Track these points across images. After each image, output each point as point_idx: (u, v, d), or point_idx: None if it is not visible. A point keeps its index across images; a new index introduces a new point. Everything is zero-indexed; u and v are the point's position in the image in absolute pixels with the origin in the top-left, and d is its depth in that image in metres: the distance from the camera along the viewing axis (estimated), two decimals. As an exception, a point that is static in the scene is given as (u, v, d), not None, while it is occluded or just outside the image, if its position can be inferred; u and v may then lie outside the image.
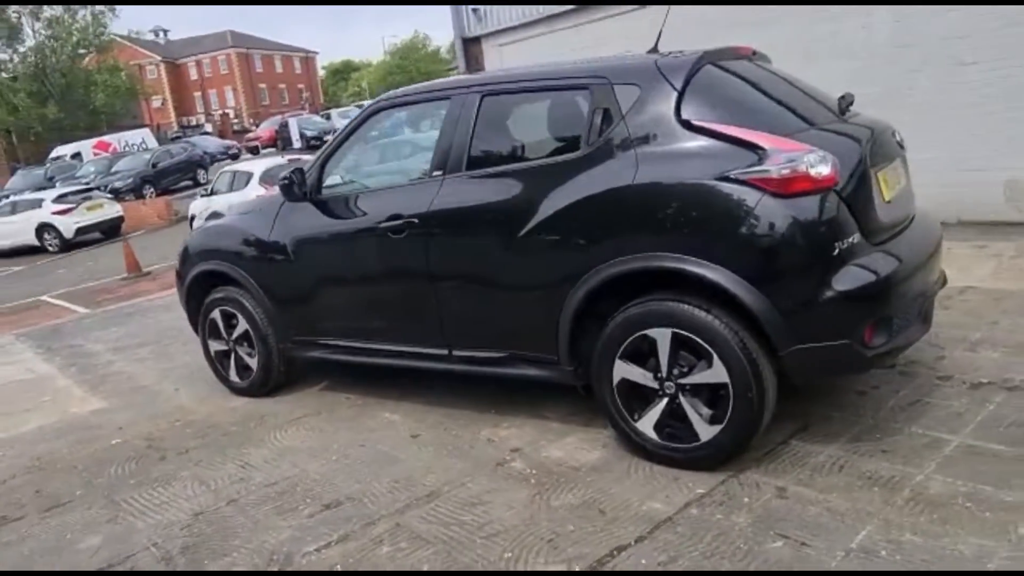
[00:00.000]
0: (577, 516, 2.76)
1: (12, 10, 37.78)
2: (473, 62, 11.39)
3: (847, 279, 2.66)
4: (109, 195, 20.74)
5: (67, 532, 3.14)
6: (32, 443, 4.31)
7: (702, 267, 2.75)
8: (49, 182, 26.48)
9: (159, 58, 65.48)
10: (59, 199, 18.83)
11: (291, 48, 73.11)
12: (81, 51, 40.75)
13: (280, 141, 33.80)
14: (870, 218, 2.83)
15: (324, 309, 4.04)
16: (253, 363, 4.45)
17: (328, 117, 36.59)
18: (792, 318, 2.69)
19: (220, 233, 4.52)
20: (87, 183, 23.29)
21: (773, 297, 2.69)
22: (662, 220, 2.85)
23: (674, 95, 2.94)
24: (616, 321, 2.98)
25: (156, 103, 64.22)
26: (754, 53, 3.52)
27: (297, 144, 32.04)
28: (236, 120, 57.28)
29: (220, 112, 60.52)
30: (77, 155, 32.51)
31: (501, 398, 3.85)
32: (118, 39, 46.87)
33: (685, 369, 2.89)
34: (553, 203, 3.08)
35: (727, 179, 2.72)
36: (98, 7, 40.01)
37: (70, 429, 4.45)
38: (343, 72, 77.20)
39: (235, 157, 33.96)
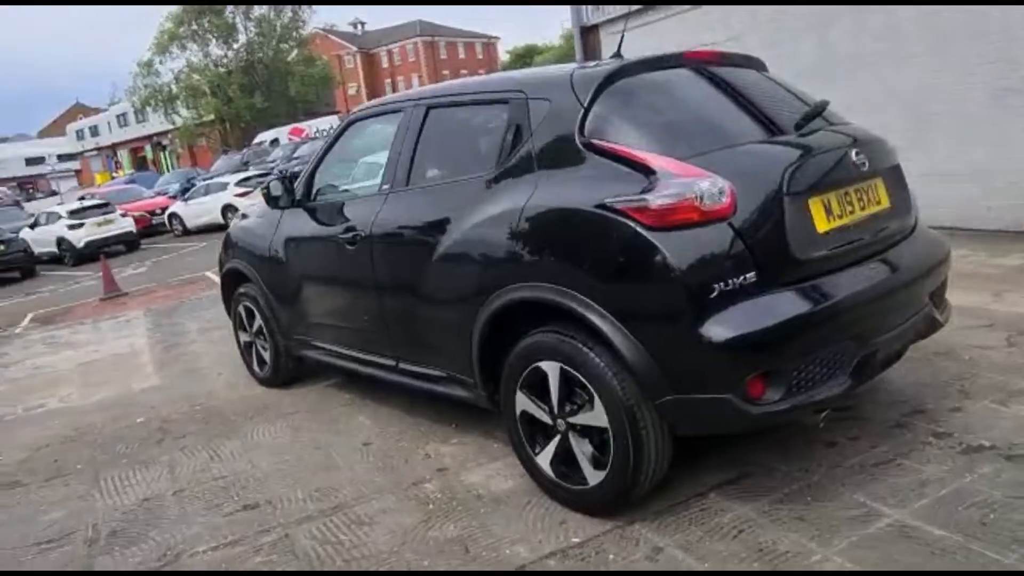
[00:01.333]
0: (441, 551, 2.68)
1: (229, 10, 42.35)
2: (590, 52, 11.17)
3: (727, 325, 2.32)
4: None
5: (45, 504, 3.57)
6: (82, 414, 4.91)
7: (578, 302, 2.54)
8: (244, 166, 29.57)
9: (355, 48, 70.55)
10: (241, 183, 20.96)
11: (473, 34, 75.63)
12: (283, 45, 44.83)
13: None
14: (783, 253, 2.45)
15: (308, 312, 4.21)
16: (267, 356, 4.74)
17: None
18: (666, 365, 2.41)
19: (243, 232, 4.83)
20: (271, 167, 25.71)
21: (645, 341, 2.42)
22: (546, 249, 2.68)
23: (580, 111, 2.72)
24: (516, 350, 2.84)
25: (351, 90, 69.45)
26: (722, 56, 3.16)
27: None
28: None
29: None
30: (275, 141, 35.99)
31: (469, 412, 3.80)
32: (321, 32, 51.07)
33: (575, 407, 2.69)
34: (463, 223, 2.99)
35: (603, 207, 2.48)
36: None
37: (117, 404, 5.02)
38: (526, 56, 78.51)
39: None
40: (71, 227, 19.43)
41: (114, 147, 56.53)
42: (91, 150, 59.95)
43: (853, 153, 2.69)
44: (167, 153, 50.77)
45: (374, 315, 3.60)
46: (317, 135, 35.80)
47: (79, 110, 76.25)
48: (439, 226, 3.09)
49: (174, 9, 40.99)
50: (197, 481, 3.56)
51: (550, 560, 2.54)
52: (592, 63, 3.00)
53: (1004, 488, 2.59)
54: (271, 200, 4.11)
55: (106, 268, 10.96)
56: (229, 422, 4.34)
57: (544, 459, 2.85)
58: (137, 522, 3.23)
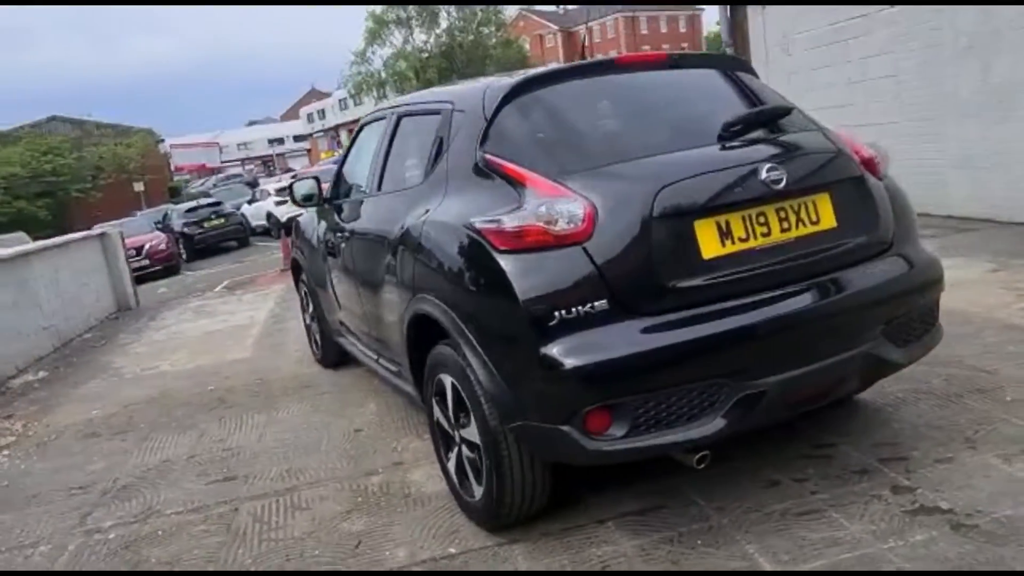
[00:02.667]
0: (337, 544, 2.84)
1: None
2: (736, 30, 10.49)
3: (563, 354, 2.21)
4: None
5: (98, 455, 4.22)
6: (174, 379, 5.67)
7: (450, 320, 2.55)
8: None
9: (556, 28, 71.19)
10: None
11: (677, 8, 73.07)
12: (484, 29, 46.49)
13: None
14: (648, 281, 2.27)
15: (332, 302, 4.52)
16: (318, 339, 5.17)
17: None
18: (516, 390, 2.35)
19: (301, 224, 5.26)
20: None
21: (498, 365, 2.38)
22: (434, 264, 2.72)
23: (483, 125, 2.69)
24: (428, 359, 2.90)
25: (553, 69, 70.29)
26: (668, 58, 2.93)
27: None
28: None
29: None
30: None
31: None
32: (524, 12, 52.19)
33: (465, 421, 2.71)
34: (397, 231, 3.08)
35: (467, 227, 2.45)
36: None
37: (204, 372, 5.73)
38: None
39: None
40: (277, 203, 21.85)
41: (336, 128, 62.23)
42: (319, 131, 66.57)
43: (764, 170, 2.39)
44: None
45: (360, 310, 3.82)
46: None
47: (314, 95, 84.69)
48: (384, 232, 3.22)
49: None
50: (209, 449, 4.02)
51: (417, 568, 2.60)
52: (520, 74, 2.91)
53: (920, 562, 2.24)
54: (296, 200, 4.44)
55: (284, 242, 12.27)
56: (271, 397, 4.80)
57: (451, 466, 2.90)
58: (144, 480, 3.74)
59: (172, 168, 38.32)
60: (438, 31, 45.33)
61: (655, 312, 2.27)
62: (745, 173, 2.40)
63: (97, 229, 9.76)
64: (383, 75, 45.58)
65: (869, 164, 2.75)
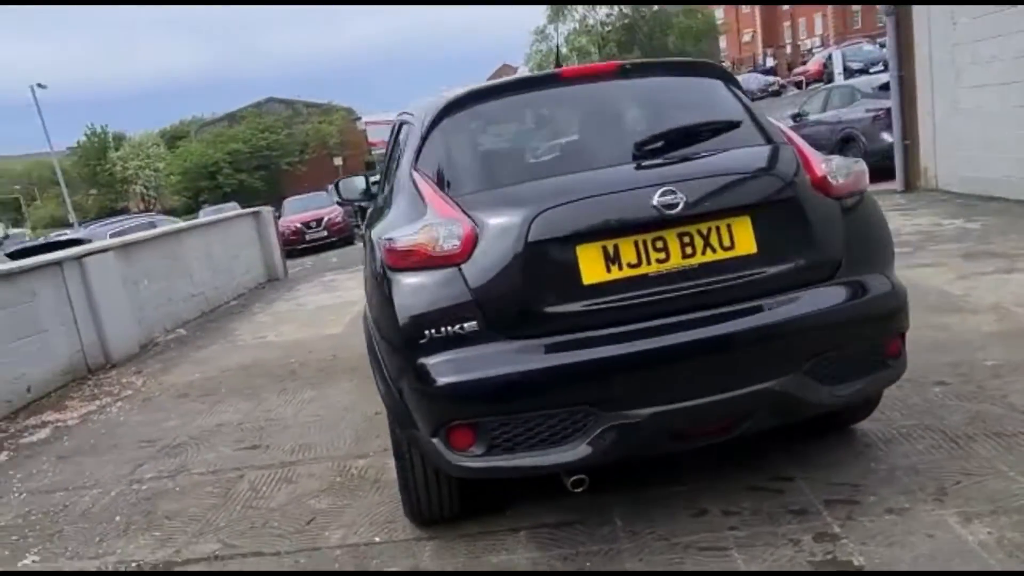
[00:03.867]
0: (294, 518, 3.15)
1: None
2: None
3: (428, 371, 2.31)
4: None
5: (176, 414, 4.90)
6: (270, 349, 6.34)
7: (367, 328, 2.72)
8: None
9: (752, -9, 66.99)
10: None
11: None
12: (667, -3, 45.08)
13: (826, 75, 31.90)
14: (519, 304, 2.29)
15: None
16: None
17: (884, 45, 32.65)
18: (404, 401, 2.47)
19: (369, 215, 5.63)
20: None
21: (389, 375, 2.53)
22: (367, 274, 2.88)
23: (418, 141, 2.81)
24: None
25: (746, 37, 66.72)
26: (619, 68, 2.84)
27: (839, 78, 29.77)
28: (818, 48, 55.14)
29: (796, 42, 59.05)
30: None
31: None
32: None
33: (398, 423, 2.89)
34: (367, 238, 3.28)
35: (377, 242, 2.60)
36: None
37: (296, 345, 6.35)
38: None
39: (777, 94, 33.62)
40: None
41: (520, 104, 63.56)
42: (504, 106, 68.36)
43: (657, 194, 2.30)
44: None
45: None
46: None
47: (505, 71, 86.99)
48: (367, 238, 3.44)
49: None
50: (256, 418, 4.54)
51: (338, 550, 2.85)
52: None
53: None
54: (340, 198, 4.77)
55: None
56: (332, 374, 5.27)
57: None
58: (194, 440, 4.32)
59: (368, 143, 41.25)
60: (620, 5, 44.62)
61: (527, 336, 2.30)
62: (635, 197, 2.33)
63: (251, 209, 10.94)
64: (563, 51, 45.82)
65: (821, 183, 2.53)
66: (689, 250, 2.35)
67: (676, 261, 2.34)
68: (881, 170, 9.70)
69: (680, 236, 2.34)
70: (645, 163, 2.48)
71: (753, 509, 2.68)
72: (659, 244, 2.33)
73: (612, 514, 2.78)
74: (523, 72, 57.34)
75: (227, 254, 9.20)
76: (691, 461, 3.01)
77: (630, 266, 2.32)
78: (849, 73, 29.57)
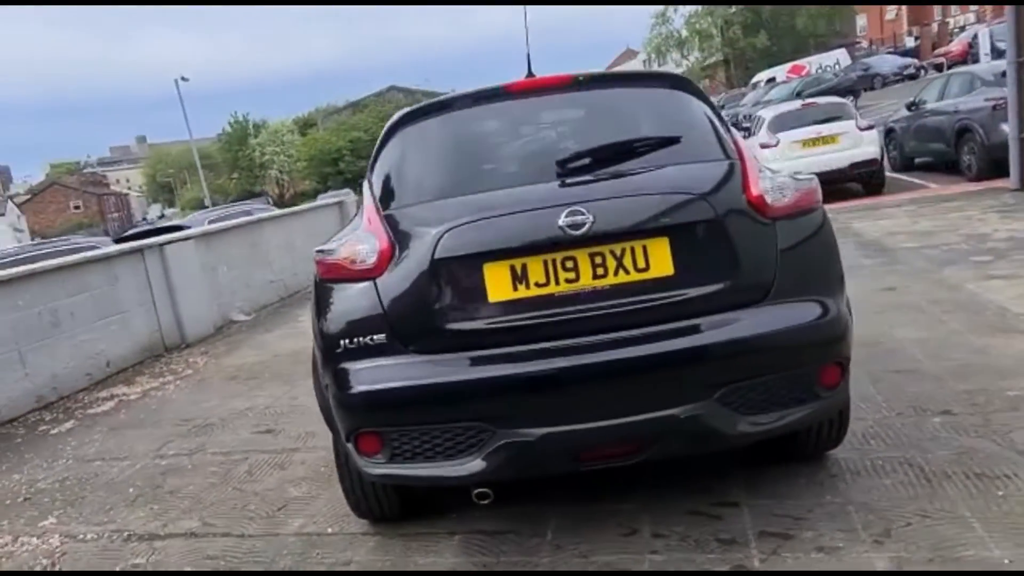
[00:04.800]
0: (270, 504, 3.36)
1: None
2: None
3: (338, 380, 2.42)
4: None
5: (217, 396, 5.29)
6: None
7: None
8: (720, 108, 29.84)
9: (896, -34, 62.19)
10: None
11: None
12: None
13: (970, 56, 29.24)
14: (424, 319, 2.36)
15: None
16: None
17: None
18: (331, 404, 2.59)
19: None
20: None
21: (320, 380, 2.65)
22: None
23: (373, 154, 2.91)
24: None
25: (890, 15, 62.07)
26: (574, 80, 2.81)
27: (985, 60, 27.20)
28: (972, 25, 50.39)
29: (946, 19, 54.19)
30: (772, 80, 35.20)
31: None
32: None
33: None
34: None
35: (314, 253, 2.71)
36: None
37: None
38: None
39: (913, 78, 31.20)
40: None
41: (640, 90, 62.39)
42: (623, 93, 67.30)
43: (564, 214, 2.28)
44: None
45: None
46: (822, 71, 33.70)
47: (628, 55, 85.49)
48: None
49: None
50: (281, 404, 4.84)
51: (292, 538, 3.03)
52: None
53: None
54: None
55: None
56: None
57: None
58: (221, 422, 4.66)
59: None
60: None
61: (432, 350, 2.36)
62: (542, 217, 2.32)
63: (335, 199, 11.45)
64: (683, 34, 44.54)
65: (757, 203, 2.43)
66: (601, 271, 2.32)
67: (586, 281, 2.32)
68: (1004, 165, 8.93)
69: (592, 256, 2.32)
70: (567, 181, 2.46)
71: (684, 534, 2.62)
72: (569, 264, 2.32)
73: (547, 526, 2.80)
74: (644, 56, 56.15)
75: (309, 243, 9.69)
76: (647, 478, 2.98)
77: (537, 285, 2.32)
78: (997, 54, 26.97)
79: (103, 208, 75.25)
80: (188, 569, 2.92)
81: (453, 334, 2.35)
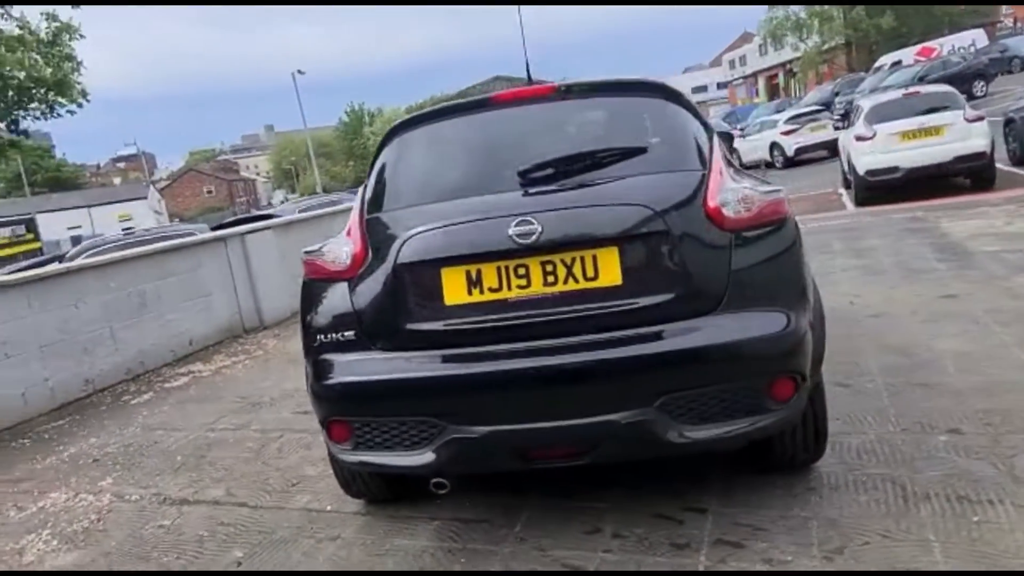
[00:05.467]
0: (286, 481, 3.67)
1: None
2: None
3: (314, 371, 2.64)
4: (837, 117, 21.38)
5: (276, 376, 5.70)
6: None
7: None
8: (834, 96, 28.32)
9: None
10: (790, 120, 20.84)
11: None
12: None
13: None
14: (387, 319, 2.53)
15: None
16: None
17: None
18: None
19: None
20: (847, 99, 24.17)
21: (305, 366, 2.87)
22: None
23: (371, 161, 3.10)
24: None
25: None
26: (557, 89, 2.89)
27: None
28: None
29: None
30: (898, 63, 33.04)
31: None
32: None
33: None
34: None
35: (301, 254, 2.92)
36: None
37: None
38: None
39: (1059, 61, 28.47)
40: (784, 133, 22.27)
41: (755, 75, 60.02)
42: (738, 79, 64.99)
43: (514, 223, 2.39)
44: (796, 80, 51.48)
45: None
46: (952, 54, 31.29)
47: (746, 39, 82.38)
48: None
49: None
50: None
51: (295, 512, 3.30)
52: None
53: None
54: None
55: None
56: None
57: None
58: (272, 401, 5.05)
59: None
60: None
61: (394, 348, 2.54)
62: (495, 226, 2.43)
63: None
64: (802, 16, 42.38)
65: (714, 215, 2.44)
66: (551, 279, 2.42)
67: (537, 288, 2.42)
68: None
69: (543, 264, 2.42)
70: (530, 191, 2.57)
71: (642, 536, 2.68)
72: (521, 271, 2.43)
73: (519, 519, 2.93)
74: (760, 40, 53.88)
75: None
76: (627, 478, 3.05)
77: (491, 290, 2.45)
78: None
79: (232, 193, 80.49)
80: (203, 533, 3.26)
81: (413, 334, 2.51)
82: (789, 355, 2.38)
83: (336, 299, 2.64)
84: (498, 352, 2.41)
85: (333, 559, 2.87)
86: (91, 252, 7.52)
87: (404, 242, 2.52)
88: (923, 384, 3.66)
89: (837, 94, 28.66)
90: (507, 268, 2.43)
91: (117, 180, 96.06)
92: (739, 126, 29.79)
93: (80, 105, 19.42)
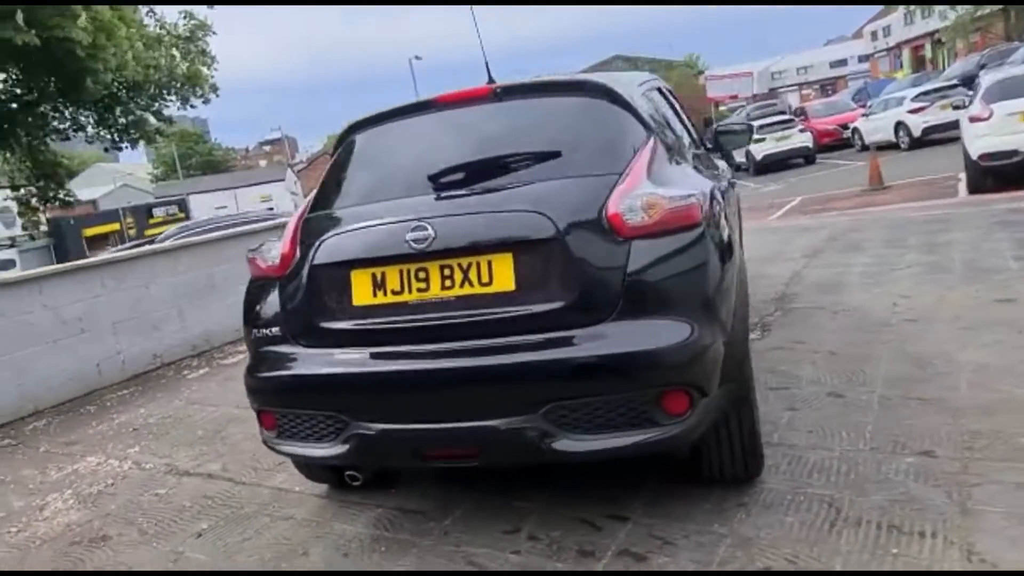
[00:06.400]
0: (281, 460, 3.91)
1: None
2: None
3: (249, 364, 2.82)
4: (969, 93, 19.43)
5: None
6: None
7: None
8: (980, 69, 25.69)
9: None
10: (918, 97, 19.21)
11: None
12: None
13: None
14: (304, 318, 2.66)
15: None
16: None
17: None
18: None
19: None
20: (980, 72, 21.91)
21: None
22: None
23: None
24: None
25: None
26: (493, 91, 2.89)
27: None
28: None
29: None
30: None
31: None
32: None
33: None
34: None
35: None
36: None
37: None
38: None
39: None
40: (755, 141, 21.55)
41: (899, 46, 55.55)
42: (881, 51, 60.41)
43: (410, 229, 2.44)
44: (944, 51, 47.14)
45: None
46: None
47: (889, 9, 76.30)
48: None
49: None
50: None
51: (267, 490, 3.53)
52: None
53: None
54: None
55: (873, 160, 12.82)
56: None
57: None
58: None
59: (707, 99, 40.26)
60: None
61: (310, 345, 2.67)
62: (394, 230, 2.49)
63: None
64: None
65: (613, 221, 2.39)
66: (448, 283, 2.45)
67: (435, 292, 2.47)
68: None
69: (442, 268, 2.46)
70: (441, 195, 2.60)
71: (555, 540, 2.68)
72: (421, 275, 2.48)
73: (452, 513, 3.00)
74: (903, 9, 49.68)
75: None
76: (570, 480, 3.05)
77: (393, 293, 2.52)
78: None
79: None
80: (186, 503, 3.56)
81: (326, 332, 2.63)
82: (683, 368, 2.29)
83: (268, 297, 2.80)
84: (394, 353, 2.49)
85: (277, 537, 3.06)
86: (181, 235, 8.18)
87: (320, 244, 2.64)
88: (921, 399, 3.38)
89: (983, 66, 25.99)
90: (408, 272, 2.49)
91: (263, 163, 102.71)
92: (868, 103, 27.72)
93: (207, 101, 20.94)
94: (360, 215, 2.67)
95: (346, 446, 2.56)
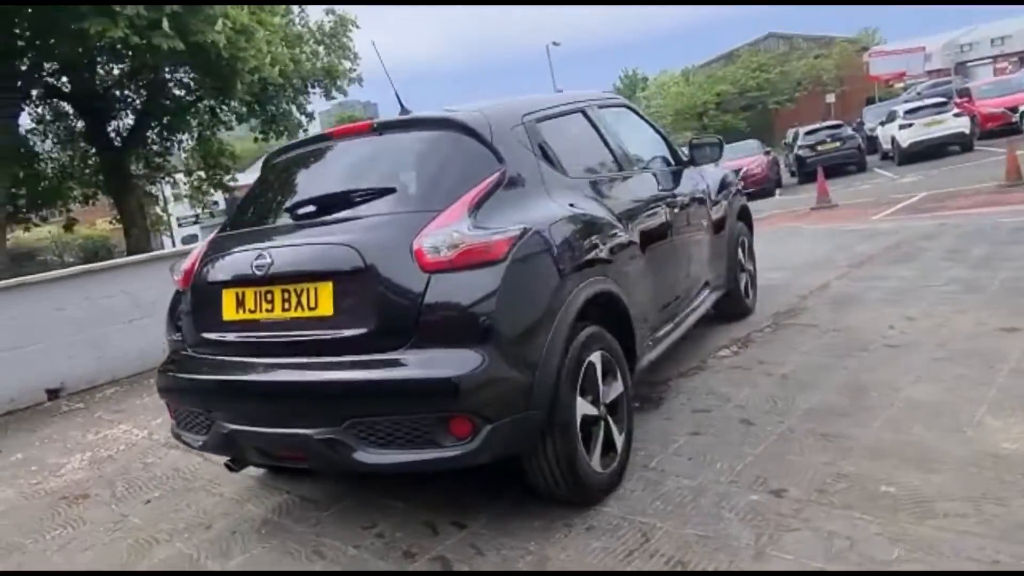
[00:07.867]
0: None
1: None
2: None
3: (161, 364, 3.28)
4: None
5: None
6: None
7: None
8: None
9: None
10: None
11: None
12: None
13: None
14: (195, 328, 3.08)
15: None
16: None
17: None
18: None
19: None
20: None
21: None
22: None
23: (259, 183, 3.64)
24: None
25: None
26: (370, 127, 3.14)
27: None
28: None
29: None
30: None
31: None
32: None
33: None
34: None
35: None
36: None
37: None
38: None
39: None
40: (902, 127, 19.94)
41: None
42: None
43: (255, 257, 2.78)
44: None
45: None
46: None
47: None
48: None
49: None
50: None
51: (220, 470, 4.03)
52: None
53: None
54: None
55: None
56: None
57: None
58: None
59: (868, 77, 37.13)
60: None
61: (196, 351, 3.10)
62: (246, 257, 2.85)
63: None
64: None
65: (418, 256, 2.59)
66: (286, 305, 2.77)
67: (278, 313, 2.80)
68: None
69: (283, 292, 2.78)
70: (291, 225, 2.93)
71: (395, 540, 2.92)
72: (269, 296, 2.82)
73: (338, 504, 3.33)
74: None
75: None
76: (450, 481, 3.27)
77: (249, 311, 2.88)
78: None
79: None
80: (159, 473, 4.15)
81: (206, 341, 3.04)
82: (465, 396, 2.45)
83: (176, 306, 3.27)
84: (241, 364, 2.85)
85: (198, 511, 3.54)
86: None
87: (206, 263, 3.06)
88: (824, 434, 3.26)
89: None
90: (259, 293, 2.84)
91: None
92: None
93: (345, 94, 22.38)
94: (240, 239, 3.06)
95: (212, 440, 2.97)
